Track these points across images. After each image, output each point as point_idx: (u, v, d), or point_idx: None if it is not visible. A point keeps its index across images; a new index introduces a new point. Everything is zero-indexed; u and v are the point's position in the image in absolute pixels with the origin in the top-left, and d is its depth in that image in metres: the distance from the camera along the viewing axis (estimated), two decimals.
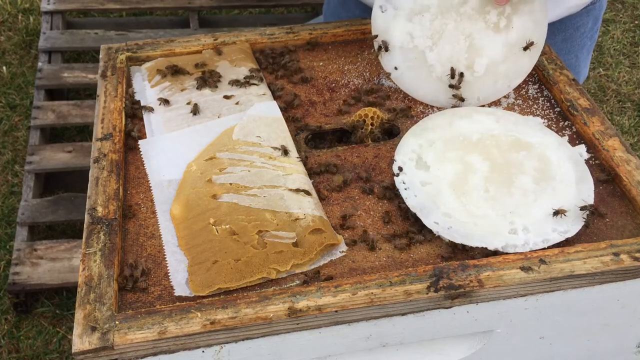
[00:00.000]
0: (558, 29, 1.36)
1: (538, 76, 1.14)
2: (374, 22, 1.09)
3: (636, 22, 3.35)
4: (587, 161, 0.99)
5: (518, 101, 1.10)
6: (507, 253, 0.85)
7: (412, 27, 1.06)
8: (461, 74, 1.06)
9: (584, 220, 0.89)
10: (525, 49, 1.05)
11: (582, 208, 0.89)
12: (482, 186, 0.93)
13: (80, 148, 2.50)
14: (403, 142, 0.99)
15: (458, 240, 0.87)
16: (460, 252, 0.87)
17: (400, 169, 0.96)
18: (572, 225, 0.89)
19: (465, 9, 1.04)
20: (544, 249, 0.86)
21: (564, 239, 0.87)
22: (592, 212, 0.90)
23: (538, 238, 0.87)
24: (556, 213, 0.88)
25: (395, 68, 1.09)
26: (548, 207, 0.90)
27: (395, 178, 0.95)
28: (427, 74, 1.08)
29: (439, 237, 0.89)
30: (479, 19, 1.04)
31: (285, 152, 0.98)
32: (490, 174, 0.94)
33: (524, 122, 1.02)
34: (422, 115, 1.08)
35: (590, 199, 0.92)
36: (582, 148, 1.00)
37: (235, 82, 1.11)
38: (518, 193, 0.92)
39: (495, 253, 0.86)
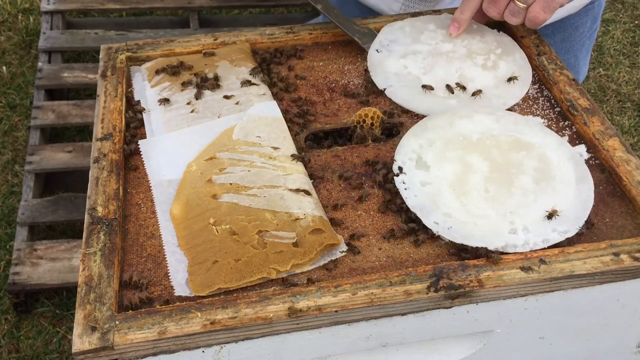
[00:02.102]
0: (557, 29, 1.36)
1: (538, 76, 1.14)
2: (369, 58, 1.17)
3: (636, 22, 3.35)
4: (587, 161, 0.99)
5: (518, 101, 1.10)
6: (507, 253, 0.85)
7: (406, 61, 1.15)
8: (455, 86, 1.10)
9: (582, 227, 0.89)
10: (509, 80, 1.11)
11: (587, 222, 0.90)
12: (482, 186, 0.93)
13: (80, 148, 2.50)
14: (403, 142, 0.99)
15: (458, 240, 0.87)
16: (462, 252, 0.87)
17: (400, 169, 0.96)
18: (572, 225, 0.89)
19: (454, 54, 1.15)
20: (544, 249, 0.86)
21: (564, 239, 0.87)
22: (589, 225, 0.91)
23: (538, 238, 0.87)
24: (550, 216, 0.88)
25: (391, 85, 1.11)
26: (548, 207, 0.90)
27: (395, 178, 0.95)
28: (421, 90, 1.10)
29: (439, 237, 0.89)
30: (467, 60, 1.14)
31: (301, 159, 0.98)
32: (490, 174, 0.94)
33: (524, 122, 1.02)
34: (422, 115, 1.08)
35: (590, 199, 0.91)
36: (582, 148, 1.00)
37: (246, 83, 1.11)
38: (518, 193, 0.92)
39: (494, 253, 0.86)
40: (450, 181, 0.94)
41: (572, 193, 0.92)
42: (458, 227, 0.88)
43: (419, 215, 0.90)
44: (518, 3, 1.05)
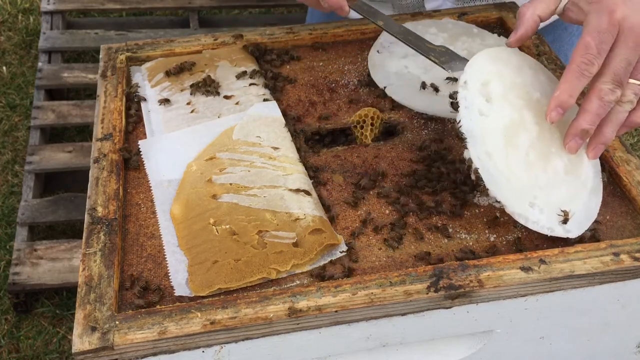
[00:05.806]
0: (547, 31, 1.36)
1: None
2: (370, 59, 1.16)
3: None
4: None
5: None
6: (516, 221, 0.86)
7: (407, 62, 1.14)
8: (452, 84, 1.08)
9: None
10: None
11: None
12: (525, 149, 0.90)
13: (80, 148, 2.50)
14: (477, 59, 0.93)
15: (488, 183, 0.86)
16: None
17: (467, 83, 0.90)
18: (576, 228, 0.88)
19: None
20: (544, 248, 0.86)
21: (565, 236, 0.87)
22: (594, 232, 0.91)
23: (546, 224, 0.87)
24: (565, 221, 0.88)
25: (391, 84, 1.12)
26: (566, 200, 0.89)
27: (459, 89, 0.89)
28: (421, 88, 1.10)
29: (439, 237, 0.89)
30: None
31: (303, 160, 0.99)
32: (536, 140, 0.92)
33: (573, 110, 0.98)
34: (423, 114, 1.08)
35: (595, 212, 0.91)
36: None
37: (243, 74, 1.12)
38: (551, 172, 0.91)
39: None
40: (505, 124, 0.90)
41: (585, 198, 0.92)
42: (494, 172, 0.87)
43: (468, 140, 0.87)
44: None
